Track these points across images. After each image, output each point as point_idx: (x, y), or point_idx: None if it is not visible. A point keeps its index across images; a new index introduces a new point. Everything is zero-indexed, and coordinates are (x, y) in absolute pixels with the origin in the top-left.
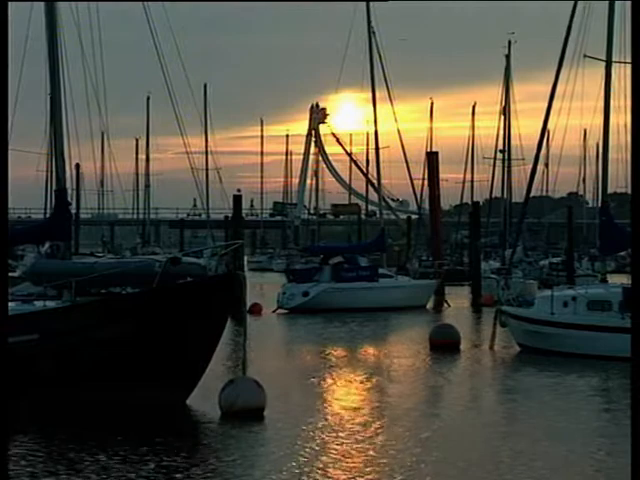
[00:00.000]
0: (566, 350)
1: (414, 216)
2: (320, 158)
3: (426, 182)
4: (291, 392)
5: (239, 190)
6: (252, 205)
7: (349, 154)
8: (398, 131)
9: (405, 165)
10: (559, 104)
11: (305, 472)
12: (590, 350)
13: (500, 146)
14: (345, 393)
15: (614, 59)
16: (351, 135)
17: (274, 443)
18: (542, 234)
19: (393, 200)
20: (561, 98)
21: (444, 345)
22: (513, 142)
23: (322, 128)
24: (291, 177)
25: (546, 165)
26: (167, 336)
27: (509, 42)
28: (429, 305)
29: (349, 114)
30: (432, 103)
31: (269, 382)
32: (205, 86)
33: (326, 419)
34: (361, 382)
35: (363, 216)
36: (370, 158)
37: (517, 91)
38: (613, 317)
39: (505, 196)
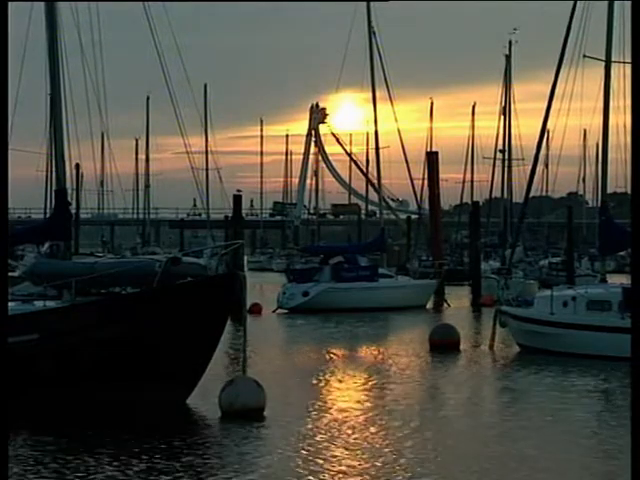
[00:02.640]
0: (566, 350)
1: (414, 216)
2: (320, 158)
3: (426, 182)
4: (291, 392)
5: (239, 190)
6: (252, 205)
7: (349, 154)
8: (398, 131)
9: (405, 165)
10: (559, 104)
11: (305, 472)
12: (590, 350)
13: (500, 146)
14: (345, 393)
15: (613, 59)
16: (351, 135)
17: (274, 443)
18: (542, 234)
19: (393, 200)
20: (561, 98)
21: (444, 345)
22: (513, 142)
23: (322, 128)
24: (291, 177)
25: (546, 165)
26: (167, 336)
27: (510, 42)
28: (429, 305)
29: (349, 114)
30: (432, 103)
31: (269, 382)
32: (205, 86)
33: (326, 419)
34: (361, 382)
35: (363, 216)
36: (370, 158)
37: (517, 91)
38: (613, 317)
39: (505, 196)
